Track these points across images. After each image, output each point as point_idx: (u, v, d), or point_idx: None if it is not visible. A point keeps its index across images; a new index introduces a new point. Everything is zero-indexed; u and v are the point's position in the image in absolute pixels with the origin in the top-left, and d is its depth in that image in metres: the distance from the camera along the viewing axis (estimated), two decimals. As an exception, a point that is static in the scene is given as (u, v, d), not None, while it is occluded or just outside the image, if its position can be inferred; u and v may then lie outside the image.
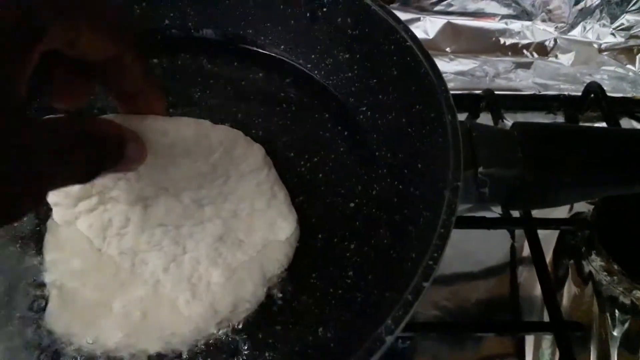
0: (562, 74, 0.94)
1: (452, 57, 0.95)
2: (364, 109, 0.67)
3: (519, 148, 0.52)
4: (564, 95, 0.91)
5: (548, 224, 0.69)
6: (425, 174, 0.53)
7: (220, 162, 0.59)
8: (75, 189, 0.52)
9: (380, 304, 0.48)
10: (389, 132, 0.62)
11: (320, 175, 0.63)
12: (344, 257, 0.56)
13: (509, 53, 0.97)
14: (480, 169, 0.51)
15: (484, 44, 0.97)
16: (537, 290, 0.71)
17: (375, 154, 0.64)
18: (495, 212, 0.77)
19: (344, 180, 0.62)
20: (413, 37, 0.58)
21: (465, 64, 0.95)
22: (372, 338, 0.38)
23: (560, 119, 0.91)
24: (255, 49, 0.74)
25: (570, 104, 0.90)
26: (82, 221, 0.55)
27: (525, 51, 0.97)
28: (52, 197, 0.53)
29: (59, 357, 0.49)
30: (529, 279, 0.72)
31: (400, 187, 0.58)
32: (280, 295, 0.53)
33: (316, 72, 0.72)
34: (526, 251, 0.75)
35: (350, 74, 0.68)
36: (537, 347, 0.67)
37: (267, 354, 0.50)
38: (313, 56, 0.72)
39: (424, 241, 0.47)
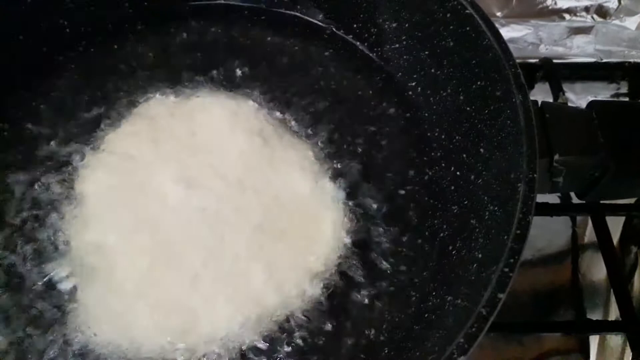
0: (626, 39, 0.85)
1: (503, 22, 0.87)
2: (414, 84, 0.61)
3: (599, 132, 0.46)
4: (629, 62, 0.83)
5: (616, 209, 0.63)
6: (490, 161, 0.48)
7: (264, 145, 0.56)
8: None
9: (441, 309, 0.43)
10: (444, 111, 0.56)
11: (366, 158, 0.57)
12: (395, 250, 0.51)
13: (566, 17, 0.88)
14: (556, 157, 0.45)
15: (537, 7, 0.88)
16: (601, 280, 0.66)
17: (427, 134, 0.58)
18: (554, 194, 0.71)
19: (392, 164, 0.57)
20: (473, 4, 0.52)
21: (517, 30, 0.87)
22: (443, 359, 0.33)
23: (624, 89, 0.83)
24: (292, 15, 0.68)
25: (636, 72, 0.82)
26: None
27: (584, 14, 0.88)
28: None
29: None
30: (592, 268, 0.67)
31: (458, 173, 0.53)
32: (327, 292, 0.49)
33: (359, 43, 0.66)
34: (588, 237, 0.69)
35: (398, 45, 0.62)
36: (603, 341, 0.62)
37: (315, 357, 0.46)
38: (355, 25, 0.66)
39: (492, 241, 0.42)
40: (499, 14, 0.87)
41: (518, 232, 0.38)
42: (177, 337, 0.46)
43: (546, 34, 0.87)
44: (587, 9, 0.88)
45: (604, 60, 0.84)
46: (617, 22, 0.87)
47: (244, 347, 0.46)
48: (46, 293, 0.49)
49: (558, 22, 0.88)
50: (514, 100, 0.44)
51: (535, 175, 0.40)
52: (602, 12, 0.88)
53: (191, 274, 0.49)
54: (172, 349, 0.46)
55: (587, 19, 0.88)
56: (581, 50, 0.86)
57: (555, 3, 0.88)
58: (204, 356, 0.46)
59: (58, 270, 0.50)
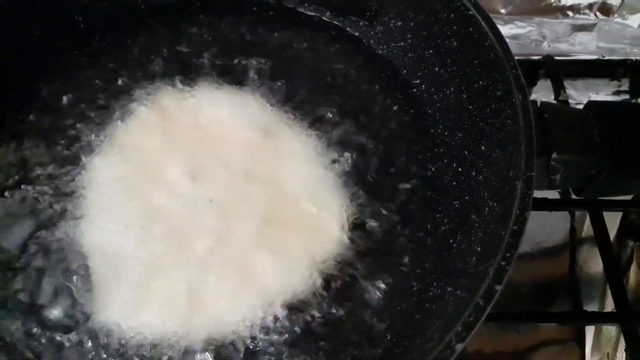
0: (629, 37, 0.86)
1: (506, 19, 0.88)
2: (418, 81, 0.62)
3: (596, 131, 0.47)
4: (631, 60, 0.84)
5: (614, 205, 0.65)
6: (490, 158, 0.49)
7: (269, 138, 0.58)
8: None
9: (441, 299, 0.45)
10: (447, 109, 0.58)
11: (370, 152, 0.59)
12: (397, 242, 0.53)
13: (570, 14, 0.89)
14: (554, 155, 0.47)
15: (541, 4, 0.89)
16: (598, 273, 0.67)
17: (431, 131, 0.60)
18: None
19: (396, 159, 0.58)
20: (476, 5, 0.53)
21: (521, 27, 0.88)
22: (441, 346, 0.35)
23: (625, 86, 0.84)
24: (300, 11, 0.69)
25: (638, 70, 0.83)
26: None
27: (587, 11, 0.89)
28: None
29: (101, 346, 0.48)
30: (589, 261, 0.69)
31: (460, 169, 0.54)
32: (330, 281, 0.51)
33: (365, 40, 0.67)
34: (586, 232, 0.70)
35: (403, 44, 0.64)
36: (598, 332, 0.64)
37: (320, 343, 0.48)
38: (361, 23, 0.67)
39: (491, 235, 0.44)
40: (503, 10, 0.89)
41: (515, 227, 0.39)
42: (183, 323, 0.48)
43: (549, 31, 0.88)
44: (590, 7, 0.89)
45: (606, 58, 0.85)
46: (619, 19, 0.88)
47: (248, 333, 0.48)
48: (56, 275, 0.51)
49: (561, 20, 0.89)
50: (513, 100, 0.46)
51: (533, 174, 0.41)
52: (605, 9, 0.89)
53: (198, 262, 0.51)
54: (177, 335, 0.48)
55: (590, 17, 0.89)
56: (584, 47, 0.87)
57: (559, 0, 0.89)
58: (209, 341, 0.47)
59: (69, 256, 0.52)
